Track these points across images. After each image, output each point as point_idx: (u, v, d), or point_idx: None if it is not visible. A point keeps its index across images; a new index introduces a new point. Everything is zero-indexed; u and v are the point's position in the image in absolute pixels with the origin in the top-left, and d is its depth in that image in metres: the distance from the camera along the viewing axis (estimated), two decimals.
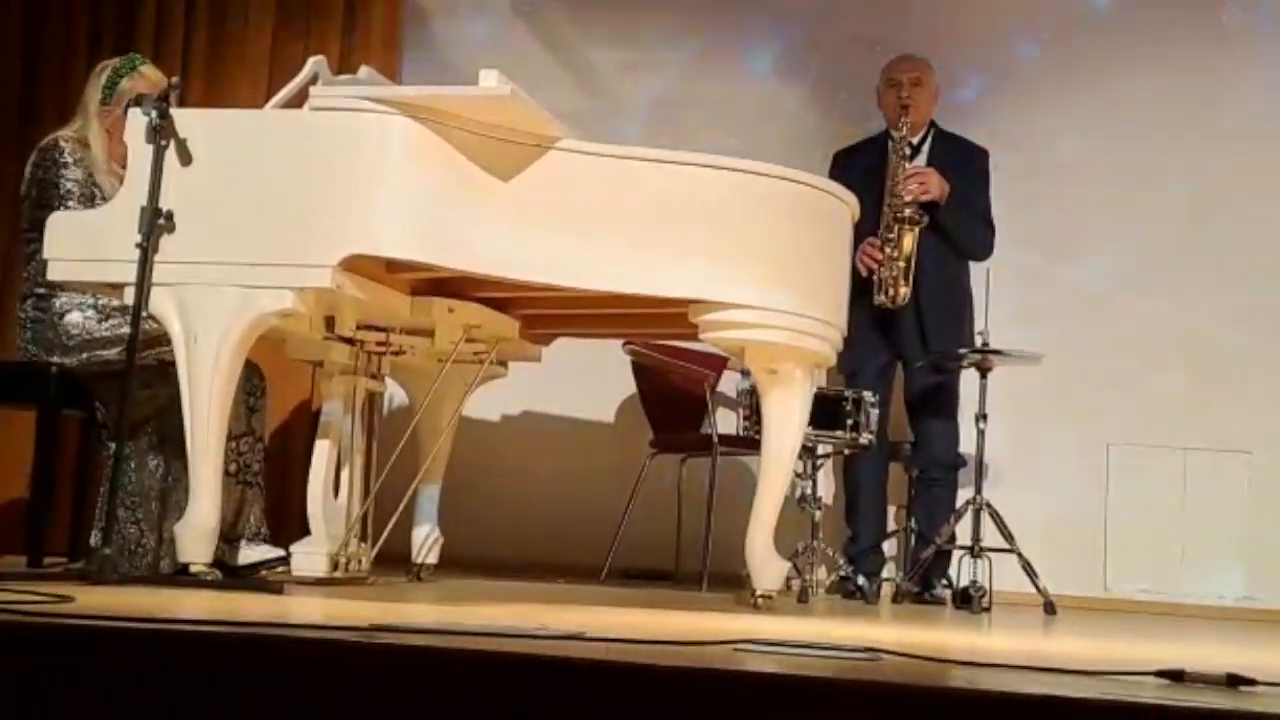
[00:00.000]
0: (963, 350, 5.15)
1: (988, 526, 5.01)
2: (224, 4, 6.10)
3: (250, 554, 4.16)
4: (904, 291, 5.28)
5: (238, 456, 4.17)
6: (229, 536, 4.09)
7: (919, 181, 5.30)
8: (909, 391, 5.52)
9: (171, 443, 3.91)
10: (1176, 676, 2.13)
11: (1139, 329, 6.20)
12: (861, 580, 5.18)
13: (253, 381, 4.25)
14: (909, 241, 5.27)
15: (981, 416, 5.09)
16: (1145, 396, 6.17)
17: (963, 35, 6.37)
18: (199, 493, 3.50)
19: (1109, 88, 6.30)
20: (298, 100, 3.74)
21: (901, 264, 5.27)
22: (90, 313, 4.13)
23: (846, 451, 5.25)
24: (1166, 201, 6.24)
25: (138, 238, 3.39)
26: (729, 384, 5.77)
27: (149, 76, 4.27)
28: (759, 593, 4.00)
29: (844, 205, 4.07)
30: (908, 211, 5.26)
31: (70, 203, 4.06)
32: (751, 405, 4.80)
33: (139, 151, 3.51)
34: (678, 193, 3.74)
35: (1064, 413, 6.15)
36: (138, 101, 3.61)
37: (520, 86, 3.52)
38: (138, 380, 3.65)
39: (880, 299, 5.28)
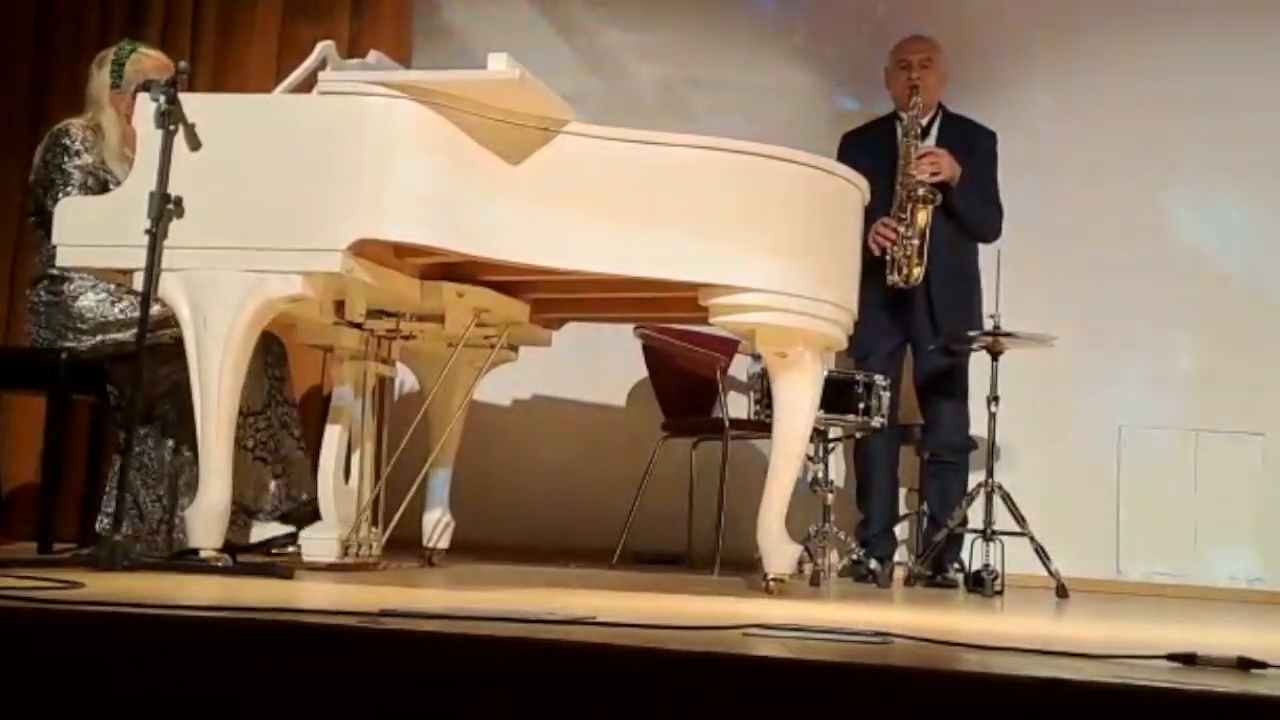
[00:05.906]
0: (974, 332, 5.13)
1: (1000, 509, 5.00)
2: None
3: (262, 531, 4.18)
4: (918, 271, 5.25)
5: (255, 433, 4.19)
6: (250, 510, 4.12)
7: (931, 161, 5.28)
8: (918, 374, 5.51)
9: (187, 421, 3.92)
10: (1188, 659, 2.12)
11: (1151, 310, 6.18)
12: (873, 564, 5.17)
13: (272, 351, 4.26)
14: (923, 219, 5.23)
15: (993, 399, 5.08)
16: (1157, 379, 6.16)
17: (969, 16, 6.34)
18: (209, 478, 3.50)
19: (1114, 66, 6.27)
20: (307, 85, 3.73)
21: (915, 242, 5.23)
22: (103, 295, 4.14)
23: (858, 434, 5.24)
24: (1177, 180, 6.21)
25: (146, 223, 3.39)
26: (740, 367, 5.76)
27: (152, 56, 4.29)
28: (771, 576, 3.99)
29: (854, 188, 4.06)
30: (921, 190, 5.23)
31: (70, 188, 4.06)
32: (763, 388, 4.79)
33: (148, 137, 3.51)
34: (687, 176, 3.72)
35: (1076, 395, 6.14)
36: (146, 86, 3.60)
37: (529, 69, 3.51)
38: (154, 359, 3.68)
39: (894, 278, 5.25)
